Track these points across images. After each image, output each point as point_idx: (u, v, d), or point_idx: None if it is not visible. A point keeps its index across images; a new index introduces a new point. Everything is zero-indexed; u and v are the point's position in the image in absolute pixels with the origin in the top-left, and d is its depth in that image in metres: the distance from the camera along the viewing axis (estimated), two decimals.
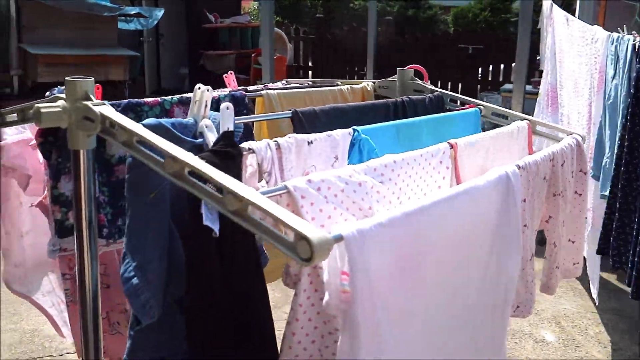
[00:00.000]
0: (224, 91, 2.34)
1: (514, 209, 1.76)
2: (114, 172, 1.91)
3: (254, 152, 1.62)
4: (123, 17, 10.60)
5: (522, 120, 2.42)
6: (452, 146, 1.94)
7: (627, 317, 4.23)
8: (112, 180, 1.91)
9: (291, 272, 1.43)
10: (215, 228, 1.36)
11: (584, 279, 4.34)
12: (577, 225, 2.34)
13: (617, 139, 3.35)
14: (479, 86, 10.85)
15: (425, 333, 1.45)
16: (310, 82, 3.07)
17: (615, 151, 3.35)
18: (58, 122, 1.35)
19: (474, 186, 1.61)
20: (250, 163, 1.61)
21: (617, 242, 3.34)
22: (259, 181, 1.67)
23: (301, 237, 1.00)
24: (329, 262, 1.20)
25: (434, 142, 2.01)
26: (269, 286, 1.65)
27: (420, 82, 2.73)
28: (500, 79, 10.94)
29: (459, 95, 2.70)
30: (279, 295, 3.82)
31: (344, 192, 1.46)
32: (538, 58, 8.74)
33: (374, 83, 2.83)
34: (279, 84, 2.97)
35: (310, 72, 12.10)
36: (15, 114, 1.62)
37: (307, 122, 1.97)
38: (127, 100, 2.00)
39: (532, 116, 3.31)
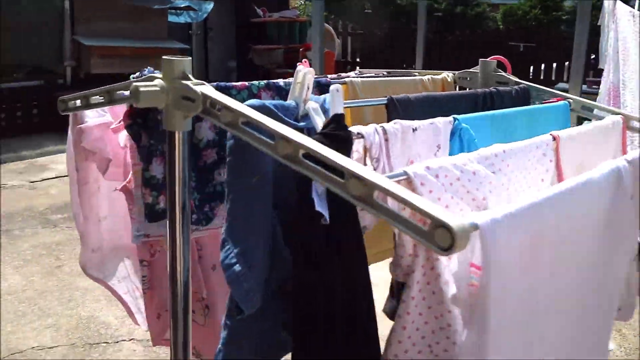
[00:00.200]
0: None
1: (625, 205, 1.65)
2: (201, 157, 1.86)
3: (362, 137, 1.54)
4: (173, 10, 10.66)
5: (615, 114, 2.30)
6: (554, 138, 1.83)
7: None
8: (200, 165, 1.85)
9: (402, 264, 1.35)
10: (326, 214, 1.29)
11: None
12: None
13: None
14: None
15: (543, 331, 1.35)
16: (385, 72, 2.97)
17: None
18: (156, 101, 1.28)
19: (589, 179, 1.51)
20: (356, 149, 1.53)
21: None
22: None
23: (440, 225, 0.91)
24: (460, 253, 1.11)
25: (527, 134, 1.91)
26: None
27: (504, 73, 2.62)
28: (553, 78, 10.72)
29: (544, 88, 2.58)
30: None
31: (460, 181, 1.37)
32: (593, 57, 8.52)
33: (453, 74, 2.73)
34: (351, 74, 2.88)
35: (357, 68, 12.01)
36: (101, 96, 1.55)
37: (402, 109, 1.89)
38: (215, 83, 1.94)
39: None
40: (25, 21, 9.16)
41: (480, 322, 1.11)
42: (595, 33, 5.35)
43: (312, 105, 1.55)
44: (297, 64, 2.87)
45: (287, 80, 2.08)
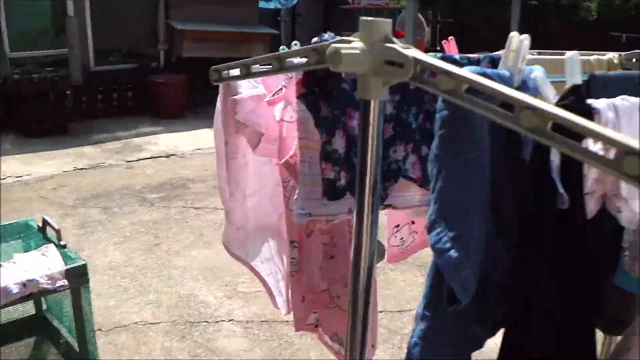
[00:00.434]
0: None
1: None
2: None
3: (598, 113, 1.37)
4: None
5: None
6: None
7: None
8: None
9: None
10: (566, 197, 1.14)
11: None
12: None
13: None
14: None
15: None
16: (536, 53, 2.79)
17: None
18: (356, 66, 1.14)
19: None
20: None
21: None
22: None
23: (629, 152, 0.78)
24: None
25: None
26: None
27: None
28: None
29: None
30: None
31: None
32: None
33: (619, 55, 2.52)
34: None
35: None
36: (269, 64, 1.41)
37: (602, 87, 1.71)
38: (440, 54, 1.79)
39: None
40: (121, 6, 9.38)
41: None
42: None
43: (538, 74, 1.39)
44: (443, 42, 2.72)
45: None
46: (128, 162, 7.00)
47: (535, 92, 1.40)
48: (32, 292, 2.60)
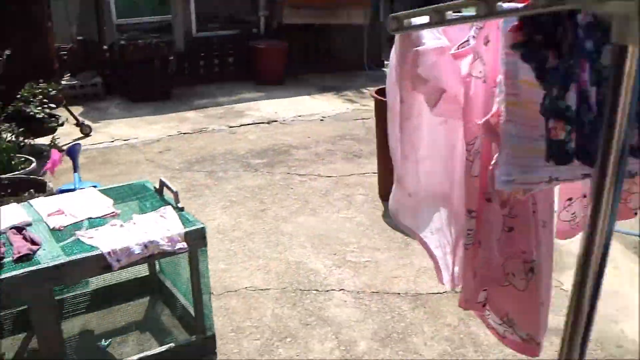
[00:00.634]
0: None
1: None
2: None
3: None
4: None
5: None
6: None
7: None
8: (600, 100, 1.46)
9: None
10: None
11: None
12: None
13: None
14: None
15: None
16: None
17: None
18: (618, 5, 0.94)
19: None
20: None
21: None
22: None
23: None
24: None
25: None
26: None
27: None
28: None
29: None
30: None
31: None
32: None
33: None
34: None
35: None
36: (472, 7, 1.20)
37: None
38: None
39: None
40: None
41: None
42: None
43: None
44: None
45: None
46: (230, 127, 7.01)
47: None
48: (153, 254, 2.58)
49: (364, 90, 8.89)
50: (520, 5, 1.08)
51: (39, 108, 5.26)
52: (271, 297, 3.47)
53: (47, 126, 5.64)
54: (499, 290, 1.77)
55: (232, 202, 4.82)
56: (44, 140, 5.63)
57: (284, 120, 7.31)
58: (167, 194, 3.07)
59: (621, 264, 3.83)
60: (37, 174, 4.68)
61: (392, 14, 1.42)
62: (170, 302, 3.27)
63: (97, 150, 6.19)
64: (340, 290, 3.55)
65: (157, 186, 3.13)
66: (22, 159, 4.88)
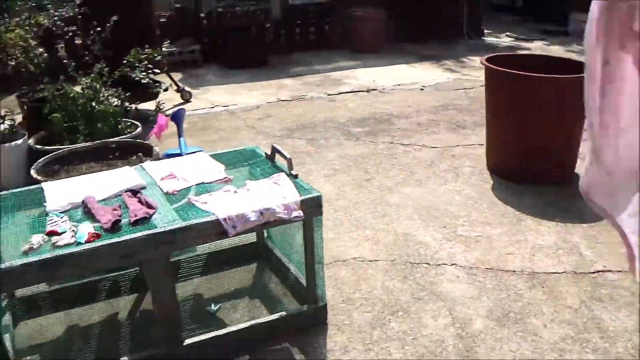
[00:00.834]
0: None
1: None
2: None
3: None
4: None
5: None
6: None
7: None
8: None
9: None
10: None
11: None
12: None
13: None
14: None
15: None
16: None
17: None
18: None
19: None
20: None
21: None
22: None
23: None
24: None
25: None
26: None
27: None
28: None
29: None
30: None
31: None
32: None
33: None
34: None
35: None
36: None
37: None
38: None
39: None
40: None
41: None
42: None
43: None
44: None
45: None
46: (329, 95, 6.89)
47: None
48: (268, 221, 2.50)
49: (464, 60, 8.58)
50: None
51: (144, 73, 5.29)
52: (380, 269, 3.35)
53: (151, 91, 5.69)
54: None
55: (335, 170, 4.71)
56: (148, 106, 5.69)
57: (383, 89, 7.13)
58: (279, 161, 2.99)
59: None
60: (143, 138, 4.71)
61: None
62: (279, 270, 3.20)
63: (197, 116, 6.21)
64: (452, 265, 3.39)
65: (269, 152, 3.04)
66: (128, 123, 4.93)
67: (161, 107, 5.37)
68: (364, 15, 9.03)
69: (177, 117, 4.42)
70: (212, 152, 3.22)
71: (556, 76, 4.06)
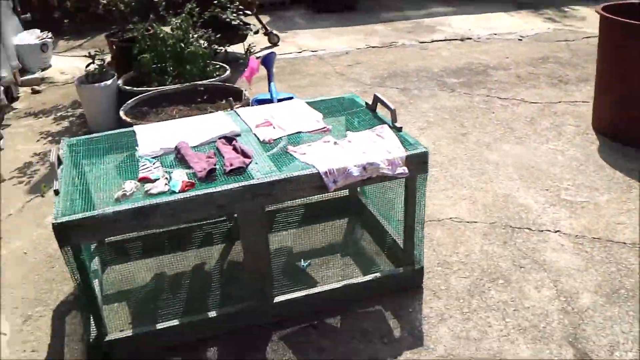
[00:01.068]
0: None
1: None
2: None
3: None
4: None
5: None
6: None
7: None
8: None
9: None
10: None
11: None
12: None
13: None
14: None
15: None
16: None
17: None
18: None
19: None
20: None
21: None
22: None
23: None
24: None
25: None
26: None
27: None
28: None
29: None
30: None
31: None
32: None
33: None
34: None
35: None
36: None
37: None
38: None
39: None
40: None
41: None
42: None
43: None
44: None
45: None
46: (421, 43, 6.59)
47: None
48: (371, 177, 2.33)
49: (566, 9, 8.04)
50: None
51: (234, 15, 5.15)
52: (479, 231, 3.14)
53: (241, 34, 5.55)
54: None
55: (430, 123, 4.48)
56: (236, 49, 5.56)
57: (478, 38, 6.76)
58: (380, 111, 2.80)
59: None
60: (232, 82, 4.59)
61: None
62: (372, 227, 3.05)
63: (285, 60, 6.05)
64: (556, 232, 3.14)
65: (369, 102, 2.86)
66: (217, 66, 4.82)
67: (252, 50, 5.22)
68: None
69: (267, 61, 4.26)
70: (307, 99, 3.06)
71: None
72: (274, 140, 2.56)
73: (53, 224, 2.01)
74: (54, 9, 6.44)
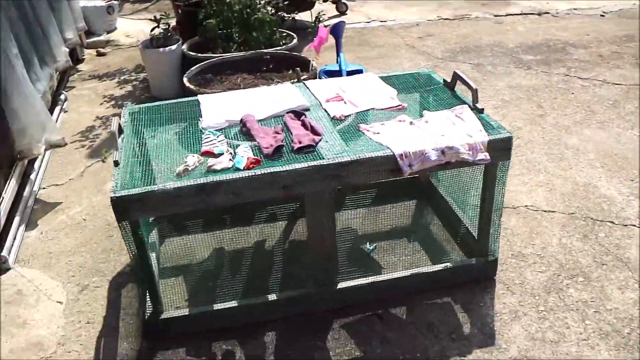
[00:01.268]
0: None
1: None
2: None
3: None
4: None
5: None
6: None
7: None
8: None
9: None
10: None
11: None
12: None
13: None
14: None
15: None
16: None
17: None
18: None
19: None
20: None
21: None
22: None
23: None
24: None
25: None
26: None
27: None
28: None
29: None
30: None
31: None
32: None
33: None
34: None
35: None
36: None
37: None
38: None
39: None
40: None
41: None
42: None
43: None
44: None
45: None
46: (496, 16, 6.27)
47: None
48: (450, 162, 2.15)
49: None
50: None
51: None
52: (557, 222, 2.93)
53: (309, 1, 5.38)
54: None
55: (505, 102, 4.24)
56: (304, 17, 5.39)
57: (556, 13, 6.39)
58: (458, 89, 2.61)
59: None
60: (299, 51, 4.44)
61: None
62: (442, 212, 2.87)
63: (353, 30, 5.85)
64: None
65: (446, 79, 2.66)
66: (284, 34, 4.66)
67: (321, 19, 5.04)
68: None
69: (337, 31, 4.08)
70: (377, 72, 2.88)
71: None
72: (346, 116, 2.41)
73: (111, 197, 1.92)
74: None
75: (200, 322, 2.27)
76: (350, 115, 2.42)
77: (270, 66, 4.13)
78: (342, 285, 2.35)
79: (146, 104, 2.60)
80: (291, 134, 2.25)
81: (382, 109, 2.46)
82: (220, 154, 2.14)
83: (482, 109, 2.38)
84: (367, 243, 2.73)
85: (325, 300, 2.36)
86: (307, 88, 2.68)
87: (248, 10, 4.40)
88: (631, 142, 3.65)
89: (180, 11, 5.07)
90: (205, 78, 3.94)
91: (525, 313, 2.38)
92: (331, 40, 3.95)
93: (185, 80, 3.82)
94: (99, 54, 5.66)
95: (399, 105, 2.49)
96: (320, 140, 2.19)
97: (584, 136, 3.74)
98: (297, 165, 2.03)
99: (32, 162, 3.36)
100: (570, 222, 2.93)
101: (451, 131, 2.22)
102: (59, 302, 2.53)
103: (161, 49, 4.44)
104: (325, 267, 2.29)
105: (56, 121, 4.02)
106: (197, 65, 4.04)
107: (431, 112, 2.40)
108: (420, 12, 6.40)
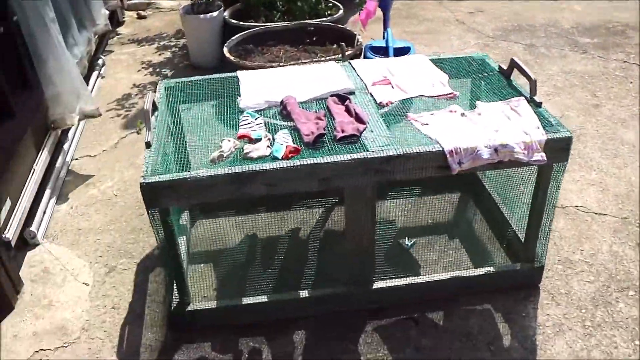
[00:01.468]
0: None
1: None
2: None
3: None
4: None
5: None
6: None
7: None
8: None
9: None
10: None
11: None
12: None
13: None
14: None
15: None
16: None
17: None
18: None
19: None
20: None
21: None
22: None
23: None
24: None
25: None
26: None
27: None
28: None
29: None
30: None
31: None
32: None
33: None
34: None
35: None
36: None
37: None
38: None
39: None
40: None
41: None
42: None
43: None
44: None
45: None
46: None
47: None
48: (502, 161, 1.99)
49: None
50: None
51: None
52: (608, 226, 2.75)
53: None
54: None
55: (557, 88, 4.01)
56: None
57: None
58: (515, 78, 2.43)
59: None
60: (343, 23, 4.26)
61: None
62: (487, 209, 2.71)
63: (400, 2, 5.61)
64: None
65: (499, 61, 2.48)
66: (330, 4, 4.48)
67: None
68: None
69: (385, 3, 3.88)
70: (424, 49, 2.70)
71: None
72: (393, 103, 2.25)
73: (141, 183, 1.81)
74: None
75: (228, 316, 2.18)
76: (397, 101, 2.25)
77: (314, 38, 3.97)
78: (377, 285, 2.22)
79: (183, 79, 2.47)
80: (334, 120, 2.10)
81: (431, 97, 2.30)
82: (258, 139, 2.01)
83: (540, 103, 2.20)
84: (406, 238, 2.59)
85: (360, 300, 2.24)
86: (353, 69, 2.52)
87: None
88: None
89: None
90: (245, 49, 3.80)
91: (570, 327, 2.23)
92: (378, 12, 3.76)
93: (225, 50, 3.69)
94: (140, 17, 5.54)
95: (450, 94, 2.32)
96: (364, 129, 2.04)
97: None
98: (339, 157, 1.89)
99: (65, 130, 3.27)
100: (623, 227, 2.74)
101: (506, 126, 2.05)
102: (85, 284, 2.45)
103: (202, 16, 4.30)
104: (362, 263, 2.16)
105: (93, 87, 3.93)
106: (238, 35, 3.90)
107: (484, 103, 2.23)
108: None
